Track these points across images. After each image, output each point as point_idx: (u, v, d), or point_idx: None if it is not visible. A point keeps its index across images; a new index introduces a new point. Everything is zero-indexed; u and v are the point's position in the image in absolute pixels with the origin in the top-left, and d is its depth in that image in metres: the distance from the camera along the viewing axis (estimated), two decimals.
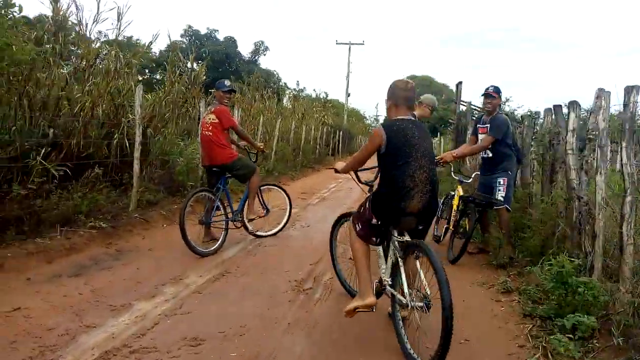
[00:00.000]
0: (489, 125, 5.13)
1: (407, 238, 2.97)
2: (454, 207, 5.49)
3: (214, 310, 3.59)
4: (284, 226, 6.22)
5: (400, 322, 2.97)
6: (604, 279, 3.67)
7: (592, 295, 3.21)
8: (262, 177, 12.12)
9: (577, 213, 4.31)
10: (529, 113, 6.20)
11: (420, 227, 3.03)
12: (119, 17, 6.84)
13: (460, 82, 15.91)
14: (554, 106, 4.84)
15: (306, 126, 18.78)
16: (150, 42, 8.60)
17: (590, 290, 3.22)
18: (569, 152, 4.53)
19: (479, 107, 17.05)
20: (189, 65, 22.31)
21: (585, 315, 3.12)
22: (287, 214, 6.24)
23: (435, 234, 5.85)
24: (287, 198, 6.21)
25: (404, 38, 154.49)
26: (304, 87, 30.82)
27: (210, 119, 5.38)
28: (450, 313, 2.48)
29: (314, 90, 38.14)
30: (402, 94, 3.06)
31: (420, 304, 2.69)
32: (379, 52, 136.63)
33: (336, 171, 3.51)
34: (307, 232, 6.61)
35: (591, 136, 4.18)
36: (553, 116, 5.27)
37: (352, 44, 35.45)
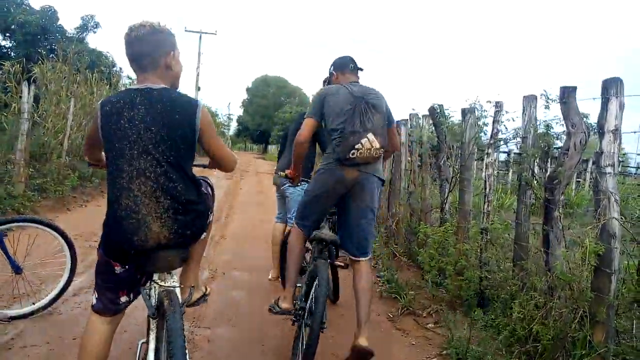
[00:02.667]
0: None
1: (172, 282, 1.86)
2: None
3: None
4: (59, 294, 3.23)
5: None
6: None
7: None
8: (75, 187, 8.76)
9: None
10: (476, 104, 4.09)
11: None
12: None
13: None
14: (564, 88, 2.82)
15: None
16: None
17: None
18: (607, 170, 2.54)
19: None
20: None
21: None
22: (67, 270, 3.23)
23: None
24: (64, 242, 3.19)
25: (259, 35, 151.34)
26: None
27: None
28: None
29: None
30: (125, 49, 1.87)
31: None
32: (233, 46, 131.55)
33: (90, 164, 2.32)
34: None
35: None
36: (533, 109, 3.30)
37: (204, 32, 32.18)
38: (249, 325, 3.37)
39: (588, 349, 2.48)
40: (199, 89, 33.48)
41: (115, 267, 1.87)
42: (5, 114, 8.53)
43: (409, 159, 5.80)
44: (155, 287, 1.85)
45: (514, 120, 3.84)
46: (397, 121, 5.96)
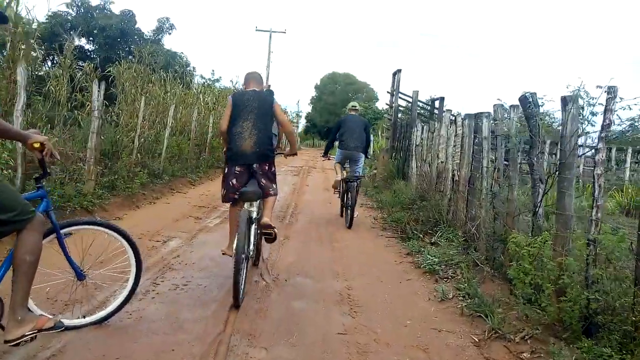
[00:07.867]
0: None
1: (252, 208, 3.82)
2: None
3: None
4: (125, 302, 3.03)
5: None
6: None
7: None
8: (145, 184, 8.75)
9: None
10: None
11: (263, 182, 4.12)
12: None
13: (399, 71, 13.38)
14: None
15: (216, 118, 15.19)
16: None
17: None
18: None
19: (425, 102, 14.68)
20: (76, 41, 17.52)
21: None
22: (132, 276, 3.02)
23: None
24: (128, 245, 2.97)
25: (328, 32, 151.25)
26: (220, 77, 27.21)
27: None
28: None
29: (231, 81, 34.41)
30: (249, 77, 4.48)
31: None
32: (302, 44, 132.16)
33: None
34: (179, 312, 3.30)
35: None
36: None
37: (274, 31, 32.48)
38: (311, 345, 2.97)
39: None
40: (269, 86, 33.75)
41: (235, 169, 4.08)
42: (80, 112, 8.73)
43: (492, 155, 5.16)
44: (245, 208, 3.74)
45: (630, 109, 3.18)
46: (478, 113, 5.38)
